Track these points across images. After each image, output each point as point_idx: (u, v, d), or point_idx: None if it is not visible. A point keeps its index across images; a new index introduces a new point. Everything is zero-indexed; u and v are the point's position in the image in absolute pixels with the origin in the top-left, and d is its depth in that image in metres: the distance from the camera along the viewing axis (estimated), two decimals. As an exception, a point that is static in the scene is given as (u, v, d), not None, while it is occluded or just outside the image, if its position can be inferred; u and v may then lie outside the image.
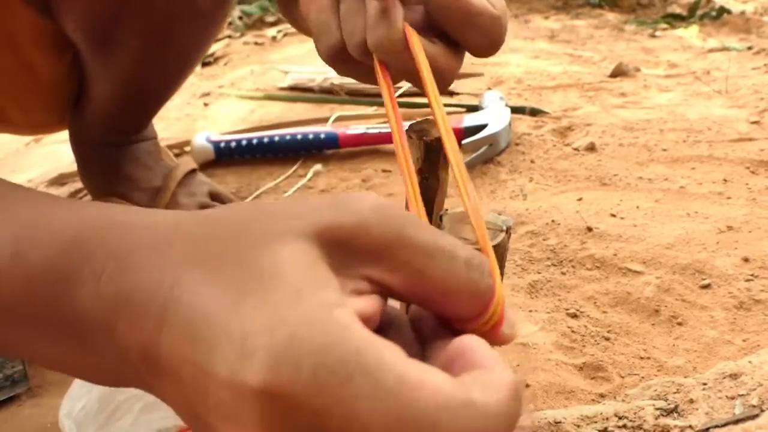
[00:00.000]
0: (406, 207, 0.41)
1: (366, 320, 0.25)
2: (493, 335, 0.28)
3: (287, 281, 0.24)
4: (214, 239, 0.27)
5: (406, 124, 0.41)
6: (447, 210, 0.37)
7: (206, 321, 0.24)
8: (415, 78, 0.41)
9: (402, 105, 1.37)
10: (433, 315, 0.29)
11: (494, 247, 0.31)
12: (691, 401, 0.63)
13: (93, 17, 0.81)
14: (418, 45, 0.39)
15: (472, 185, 0.32)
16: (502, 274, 0.33)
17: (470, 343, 0.26)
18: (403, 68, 0.41)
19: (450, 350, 0.26)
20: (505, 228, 0.41)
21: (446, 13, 0.40)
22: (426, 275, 0.27)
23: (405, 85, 1.37)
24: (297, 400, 0.22)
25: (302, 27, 0.89)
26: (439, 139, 0.38)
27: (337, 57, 0.43)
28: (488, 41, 0.42)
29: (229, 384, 0.23)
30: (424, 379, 0.23)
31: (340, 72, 0.45)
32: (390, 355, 0.23)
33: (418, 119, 0.42)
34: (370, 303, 0.26)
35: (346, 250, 0.26)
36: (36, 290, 0.29)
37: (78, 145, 0.99)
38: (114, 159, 0.97)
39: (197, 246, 0.27)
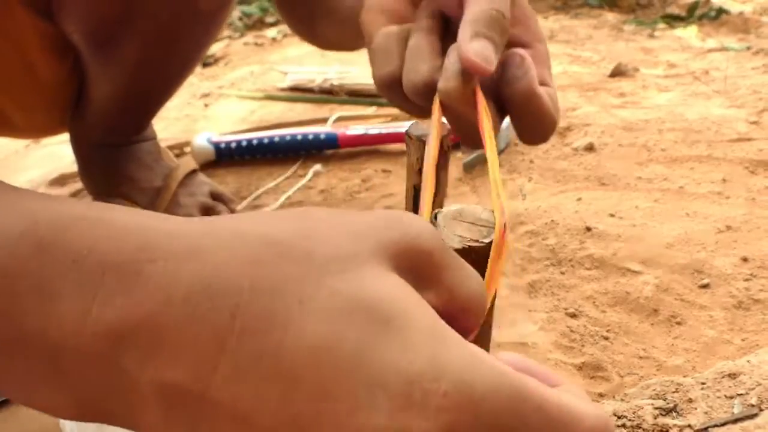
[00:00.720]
0: (414, 209, 0.42)
1: None
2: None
3: (414, 318, 0.23)
4: (267, 258, 0.23)
5: (406, 125, 0.42)
6: (439, 209, 0.37)
7: (322, 361, 0.22)
8: (463, 128, 0.42)
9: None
10: None
11: (489, 244, 0.32)
12: (690, 401, 0.63)
13: (93, 20, 0.82)
14: (485, 108, 0.40)
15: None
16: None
17: (529, 361, 0.26)
18: (458, 118, 0.42)
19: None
20: (502, 227, 0.41)
21: (520, 103, 0.42)
22: (458, 295, 0.27)
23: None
24: None
25: (303, 32, 0.89)
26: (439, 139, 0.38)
27: (391, 85, 0.45)
28: (539, 138, 0.44)
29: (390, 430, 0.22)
30: (580, 409, 0.24)
31: (388, 97, 0.46)
32: (545, 389, 0.24)
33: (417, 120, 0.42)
34: None
35: (411, 273, 0.25)
36: None
37: (78, 145, 0.99)
38: (114, 159, 0.97)
39: (249, 265, 0.23)
